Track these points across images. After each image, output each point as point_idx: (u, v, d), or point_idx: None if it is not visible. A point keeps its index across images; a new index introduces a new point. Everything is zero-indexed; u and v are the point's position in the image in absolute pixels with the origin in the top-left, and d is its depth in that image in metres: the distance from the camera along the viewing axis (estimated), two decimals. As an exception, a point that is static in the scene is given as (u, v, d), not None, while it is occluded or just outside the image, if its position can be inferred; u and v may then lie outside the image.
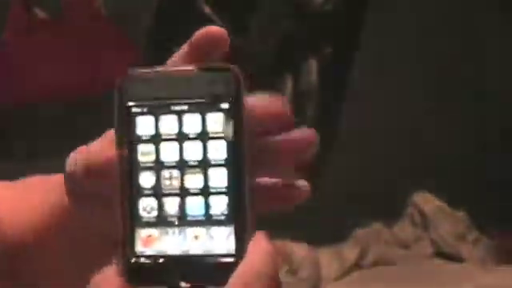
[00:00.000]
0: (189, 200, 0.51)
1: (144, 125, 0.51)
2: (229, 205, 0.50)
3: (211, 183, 0.50)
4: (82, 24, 2.17)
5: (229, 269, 0.49)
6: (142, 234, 0.51)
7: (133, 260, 0.51)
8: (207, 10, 2.41)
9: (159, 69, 0.52)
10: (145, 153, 0.51)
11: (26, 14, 2.12)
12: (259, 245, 0.50)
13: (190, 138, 0.50)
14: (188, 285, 0.49)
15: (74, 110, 2.18)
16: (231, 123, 0.50)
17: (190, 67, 0.51)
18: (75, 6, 2.17)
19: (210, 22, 2.41)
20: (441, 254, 2.35)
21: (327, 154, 2.49)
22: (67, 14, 2.16)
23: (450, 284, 2.03)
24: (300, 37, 2.49)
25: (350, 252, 2.26)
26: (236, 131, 0.50)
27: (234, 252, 0.50)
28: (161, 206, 0.51)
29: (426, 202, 2.43)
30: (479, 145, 2.54)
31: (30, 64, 2.10)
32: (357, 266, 2.25)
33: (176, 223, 0.51)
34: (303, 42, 2.50)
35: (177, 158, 0.50)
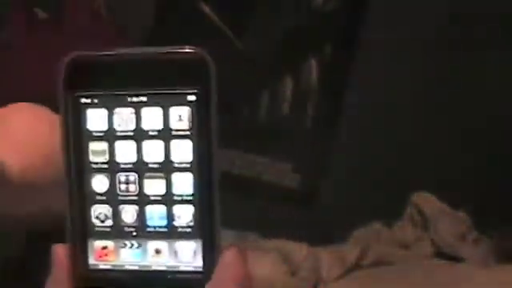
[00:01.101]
0: (149, 209, 0.44)
1: (96, 119, 0.43)
2: (195, 215, 0.43)
3: (175, 190, 0.43)
4: (82, 24, 2.17)
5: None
6: (96, 245, 0.45)
7: (85, 274, 0.44)
8: (207, 9, 2.41)
9: (114, 52, 0.43)
10: (97, 152, 0.43)
11: (26, 14, 2.12)
12: (230, 263, 0.43)
13: (149, 136, 0.43)
14: None
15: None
16: (199, 119, 0.42)
17: (150, 50, 0.43)
18: (75, 5, 2.17)
19: (210, 22, 2.41)
20: (441, 254, 2.34)
21: (327, 154, 2.49)
22: (67, 14, 2.16)
23: (450, 284, 2.03)
24: (300, 37, 2.49)
25: (349, 252, 2.25)
26: (205, 129, 0.42)
27: (201, 269, 0.44)
28: (116, 215, 0.44)
29: (426, 202, 2.42)
30: (479, 145, 2.54)
31: (30, 64, 2.10)
32: (357, 265, 2.25)
33: (134, 234, 0.44)
34: (303, 42, 2.50)
35: (134, 159, 0.43)
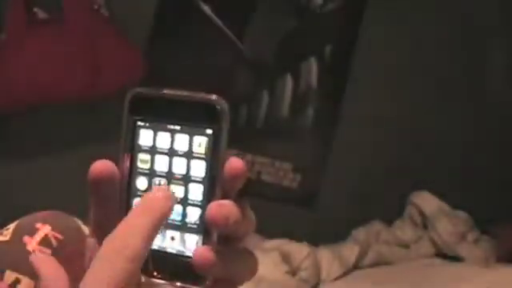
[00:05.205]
0: None
1: (145, 137, 0.59)
2: (201, 216, 0.58)
3: (190, 195, 0.58)
4: (82, 24, 2.17)
5: (193, 270, 0.57)
6: None
7: None
8: (207, 9, 2.41)
9: (163, 91, 0.59)
10: (143, 160, 0.60)
11: (26, 14, 2.12)
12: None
13: (178, 155, 0.59)
14: (159, 275, 0.58)
15: (74, 111, 2.19)
16: (212, 147, 0.58)
17: (186, 94, 0.59)
18: (75, 6, 2.17)
19: (210, 22, 2.41)
20: (441, 254, 2.34)
21: (327, 154, 2.49)
22: (67, 14, 2.16)
23: (450, 284, 2.03)
24: (300, 37, 2.49)
25: (349, 252, 2.26)
26: (214, 155, 0.58)
27: None
28: None
29: (426, 201, 2.42)
30: (479, 145, 2.54)
31: (30, 64, 2.10)
32: (357, 266, 2.25)
33: None
34: (303, 42, 2.50)
35: (166, 169, 0.59)
